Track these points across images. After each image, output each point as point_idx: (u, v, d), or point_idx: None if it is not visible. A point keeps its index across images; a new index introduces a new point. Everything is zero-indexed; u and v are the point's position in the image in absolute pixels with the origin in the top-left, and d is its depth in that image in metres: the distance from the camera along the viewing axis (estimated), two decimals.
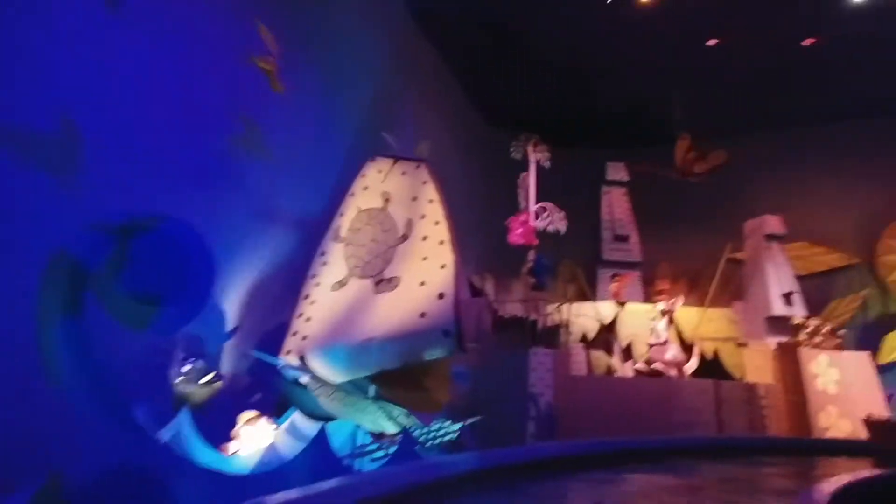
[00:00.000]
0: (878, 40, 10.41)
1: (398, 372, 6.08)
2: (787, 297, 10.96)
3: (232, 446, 4.86)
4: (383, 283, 6.58)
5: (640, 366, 10.15)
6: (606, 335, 10.80)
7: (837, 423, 9.41)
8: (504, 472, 5.13)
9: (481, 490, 4.48)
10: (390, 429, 5.78)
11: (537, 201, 10.54)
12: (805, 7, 10.05)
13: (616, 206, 12.75)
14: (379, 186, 6.91)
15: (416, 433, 5.66)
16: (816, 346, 10.16)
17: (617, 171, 13.02)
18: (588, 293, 11.48)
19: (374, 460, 5.32)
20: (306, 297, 5.90)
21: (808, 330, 10.37)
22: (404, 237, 6.94)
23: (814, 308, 11.23)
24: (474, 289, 9.44)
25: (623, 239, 12.45)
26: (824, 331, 10.41)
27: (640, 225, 12.83)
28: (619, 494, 4.78)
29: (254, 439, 4.88)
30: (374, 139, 7.16)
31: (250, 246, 5.67)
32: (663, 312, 10.69)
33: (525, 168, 10.64)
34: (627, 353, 10.61)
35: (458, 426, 5.88)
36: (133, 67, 4.63)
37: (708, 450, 7.27)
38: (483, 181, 12.40)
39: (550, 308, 10.16)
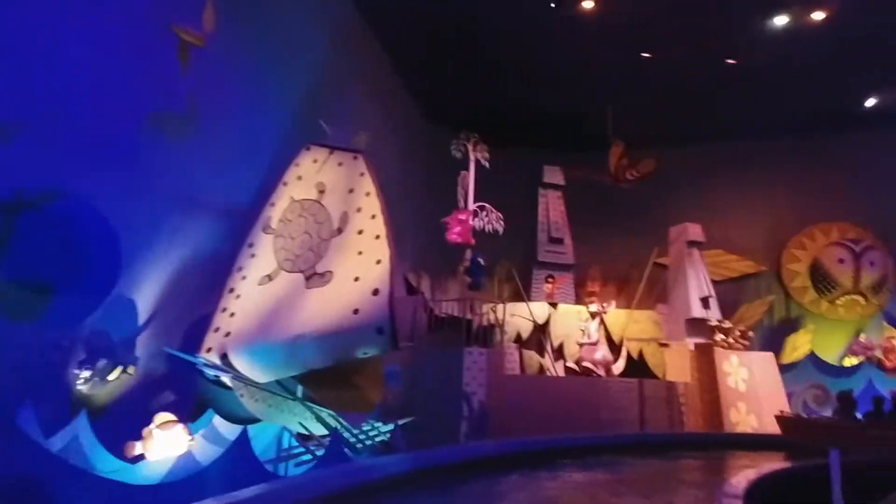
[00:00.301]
0: (790, 64, 11.27)
1: (328, 371, 5.81)
2: (705, 301, 11.63)
3: (138, 447, 4.40)
4: (315, 277, 6.28)
5: (571, 365, 10.39)
6: (539, 335, 10.98)
7: (746, 418, 10.07)
8: (437, 472, 5.00)
9: (414, 492, 4.33)
10: (318, 430, 5.51)
11: (476, 201, 10.54)
12: (728, 29, 10.69)
13: (552, 208, 13.04)
14: (314, 176, 6.59)
15: (345, 434, 5.42)
16: (729, 346, 10.84)
17: (553, 175, 13.32)
18: (523, 294, 11.62)
19: (300, 464, 5.03)
20: (231, 290, 5.51)
21: (722, 332, 11.04)
22: (339, 230, 6.67)
23: (727, 311, 11.99)
24: (410, 286, 9.29)
25: (558, 241, 12.74)
26: (736, 333, 11.13)
27: (574, 228, 13.20)
28: (553, 490, 4.79)
29: (166, 446, 4.45)
30: (310, 127, 6.84)
31: (168, 233, 5.20)
32: (594, 314, 11.01)
33: (465, 167, 10.61)
34: (559, 353, 10.83)
35: (390, 427, 5.69)
36: (32, 29, 4.10)
37: (634, 446, 7.51)
38: (421, 178, 12.27)
39: (485, 308, 10.18)
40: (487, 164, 10.66)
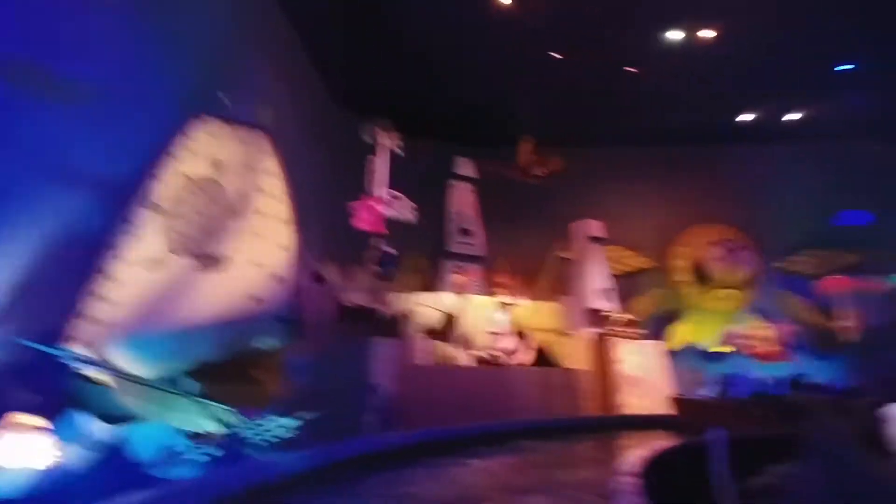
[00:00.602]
0: (681, 77, 12.18)
1: (223, 363, 5.33)
2: (606, 293, 12.30)
3: None
4: (210, 262, 5.74)
5: (480, 355, 10.49)
6: (448, 325, 10.97)
7: (639, 401, 10.78)
8: (341, 467, 4.75)
9: (317, 489, 4.04)
10: (212, 428, 5.01)
11: (388, 189, 10.28)
12: (630, 40, 11.32)
13: (462, 200, 13.11)
14: (209, 152, 6.01)
15: (243, 432, 4.98)
16: (623, 335, 11.55)
17: (465, 167, 13.39)
18: (432, 284, 11.56)
19: (192, 466, 4.53)
20: (104, 273, 4.83)
21: (618, 322, 11.73)
22: (237, 211, 6.15)
23: (623, 303, 12.77)
24: (317, 275, 8.84)
25: (468, 233, 12.82)
26: (630, 322, 11.87)
27: (484, 220, 13.36)
28: (466, 475, 4.73)
29: (20, 453, 3.78)
30: (206, 97, 6.21)
31: (24, 206, 4.43)
32: (503, 305, 11.21)
33: (375, 153, 10.30)
34: (468, 343, 10.90)
35: (292, 421, 5.33)
36: None
37: (539, 431, 7.71)
38: (329, 162, 11.75)
39: (395, 298, 9.98)
40: (400, 152, 10.43)
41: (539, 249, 13.17)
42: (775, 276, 14.12)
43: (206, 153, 5.99)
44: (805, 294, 13.72)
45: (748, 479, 3.62)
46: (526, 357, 10.80)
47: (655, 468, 4.29)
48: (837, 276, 12.89)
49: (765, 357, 12.33)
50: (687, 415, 8.81)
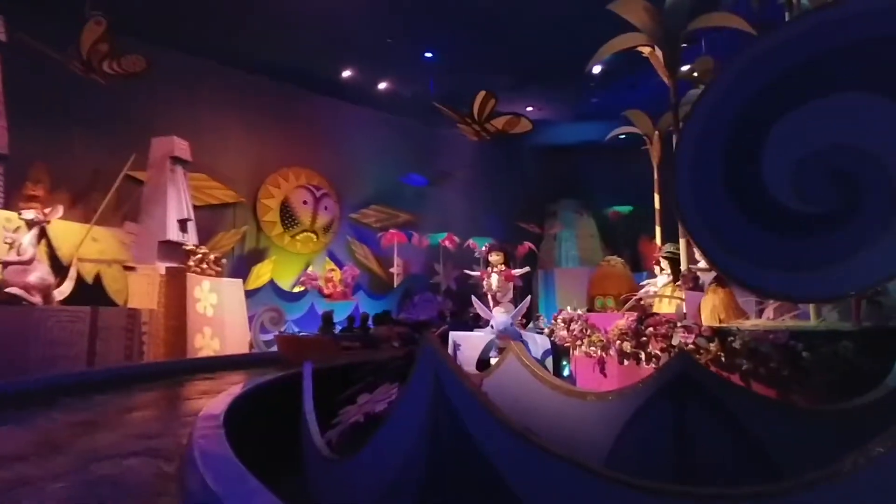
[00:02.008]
0: (301, 17, 11.70)
1: None
2: (183, 224, 10.80)
3: None
4: None
5: None
6: None
7: (210, 342, 10.00)
8: None
9: None
10: None
11: None
12: None
13: None
14: None
15: None
16: (202, 272, 10.45)
17: None
18: None
19: None
20: None
21: (197, 257, 10.53)
22: None
23: (203, 237, 11.59)
24: None
25: None
26: (210, 259, 10.85)
27: (12, 108, 9.47)
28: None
29: None
30: None
31: None
32: (31, 223, 8.22)
33: None
34: None
35: None
36: None
37: (87, 384, 5.98)
38: None
39: None
40: None
41: (99, 161, 10.46)
42: (348, 224, 15.74)
43: None
44: (369, 243, 15.84)
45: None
46: (64, 292, 8.34)
47: (238, 410, 3.80)
48: (394, 231, 15.35)
49: (331, 296, 13.57)
50: (288, 351, 8.80)
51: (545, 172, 19.17)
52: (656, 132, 5.90)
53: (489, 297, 4.60)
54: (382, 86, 14.86)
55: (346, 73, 14.31)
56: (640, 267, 15.48)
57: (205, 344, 9.88)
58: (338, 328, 9.81)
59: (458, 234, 16.13)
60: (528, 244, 17.54)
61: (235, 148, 13.68)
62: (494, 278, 4.62)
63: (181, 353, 9.37)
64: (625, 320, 3.49)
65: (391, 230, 15.35)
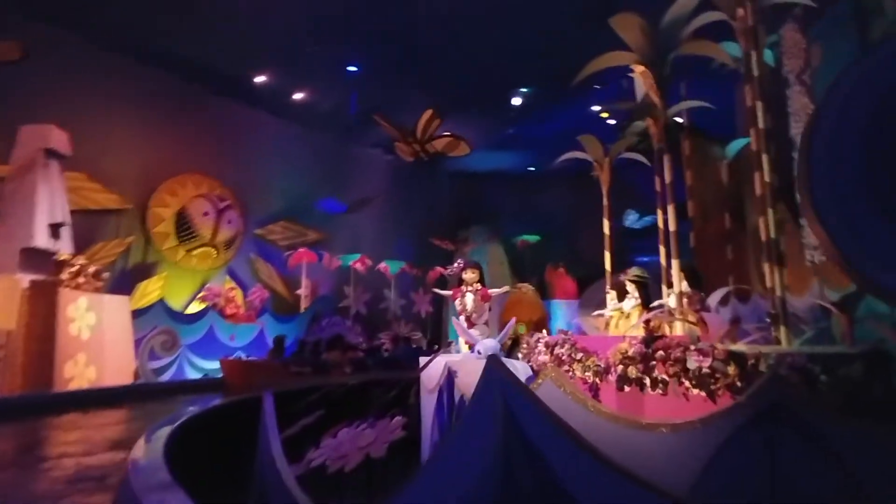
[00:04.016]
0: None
1: None
2: (55, 229, 9.14)
3: None
4: None
5: None
6: None
7: (84, 371, 8.41)
8: None
9: None
10: None
11: None
12: None
13: None
14: None
15: None
16: (78, 287, 8.86)
17: None
18: None
19: None
20: None
21: (73, 269, 8.93)
22: None
23: (80, 247, 9.92)
24: None
25: None
26: (89, 272, 9.26)
27: None
28: None
29: None
30: None
31: None
32: None
33: None
34: None
35: None
36: None
37: None
38: None
39: None
40: None
41: None
42: (253, 241, 14.46)
43: None
44: (275, 261, 14.66)
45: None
46: None
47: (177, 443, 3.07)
48: (303, 250, 14.35)
49: (234, 318, 12.24)
50: (234, 377, 7.87)
51: (458, 198, 19.27)
52: (606, 159, 5.94)
53: (462, 318, 4.21)
54: (299, 96, 14.03)
55: (261, 78, 13.31)
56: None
57: (77, 373, 8.29)
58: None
59: (371, 256, 15.52)
60: (439, 269, 17.39)
61: (125, 146, 12.01)
62: (469, 298, 4.24)
63: (46, 384, 7.74)
64: (627, 343, 3.27)
65: (300, 248, 14.34)
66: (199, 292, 12.50)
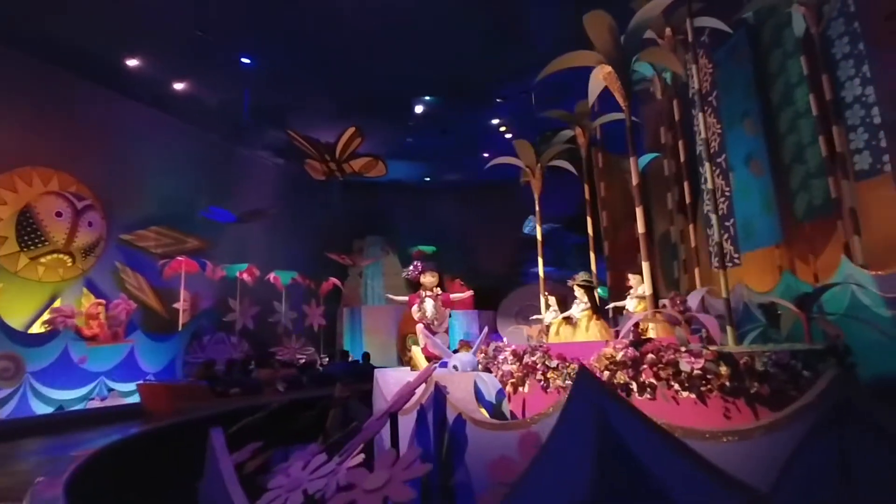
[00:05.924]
0: None
1: None
2: None
3: None
4: None
5: None
6: None
7: None
8: None
9: None
10: None
11: None
12: None
13: None
14: None
15: None
16: None
17: None
18: None
19: None
20: None
21: None
22: None
23: None
24: None
25: None
26: None
27: None
28: None
29: None
30: None
31: None
32: None
33: None
34: None
35: None
36: None
37: None
38: None
39: None
40: None
41: None
42: (119, 247, 12.54)
43: None
44: (146, 272, 12.84)
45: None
46: None
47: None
48: (182, 258, 12.76)
49: (96, 338, 10.40)
50: (152, 402, 6.87)
51: (353, 207, 18.60)
52: (538, 165, 5.94)
53: (422, 326, 3.79)
54: (180, 86, 12.53)
55: (133, 62, 11.65)
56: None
57: None
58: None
59: (259, 267, 14.30)
60: (332, 280, 16.60)
61: None
62: (429, 304, 3.82)
63: None
64: (612, 348, 3.13)
65: (178, 257, 12.72)
66: (46, 309, 10.45)
